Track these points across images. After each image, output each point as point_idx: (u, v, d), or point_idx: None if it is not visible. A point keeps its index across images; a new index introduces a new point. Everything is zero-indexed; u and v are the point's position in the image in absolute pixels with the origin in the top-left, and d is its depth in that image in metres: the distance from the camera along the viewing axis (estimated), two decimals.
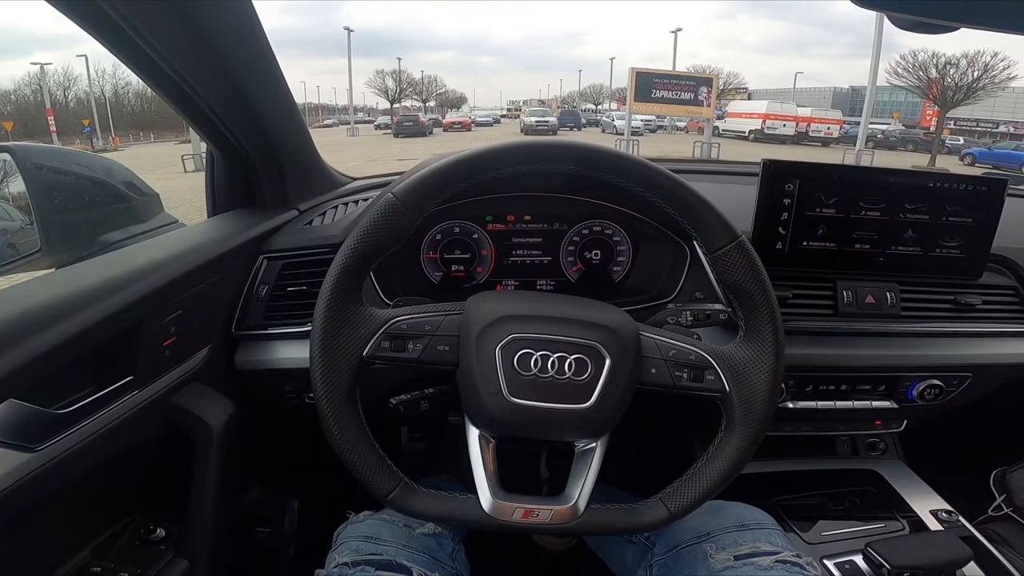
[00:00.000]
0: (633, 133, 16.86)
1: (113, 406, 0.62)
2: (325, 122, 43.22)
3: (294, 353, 0.82)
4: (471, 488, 0.57)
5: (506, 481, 0.57)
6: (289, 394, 0.86)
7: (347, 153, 14.68)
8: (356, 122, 30.64)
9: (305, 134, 0.97)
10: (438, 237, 0.91)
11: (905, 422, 0.98)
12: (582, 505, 0.56)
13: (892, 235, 0.85)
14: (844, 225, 0.84)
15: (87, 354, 0.59)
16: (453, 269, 0.92)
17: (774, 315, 0.58)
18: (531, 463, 0.93)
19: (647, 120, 24.62)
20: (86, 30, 0.63)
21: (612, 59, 60.53)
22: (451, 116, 33.89)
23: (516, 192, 0.88)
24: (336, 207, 0.96)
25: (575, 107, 46.81)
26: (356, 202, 0.97)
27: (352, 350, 0.55)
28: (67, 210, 0.87)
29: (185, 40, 0.68)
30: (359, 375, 0.56)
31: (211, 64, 0.73)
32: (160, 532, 0.75)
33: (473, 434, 0.58)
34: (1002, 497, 0.95)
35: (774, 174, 0.82)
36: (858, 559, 0.77)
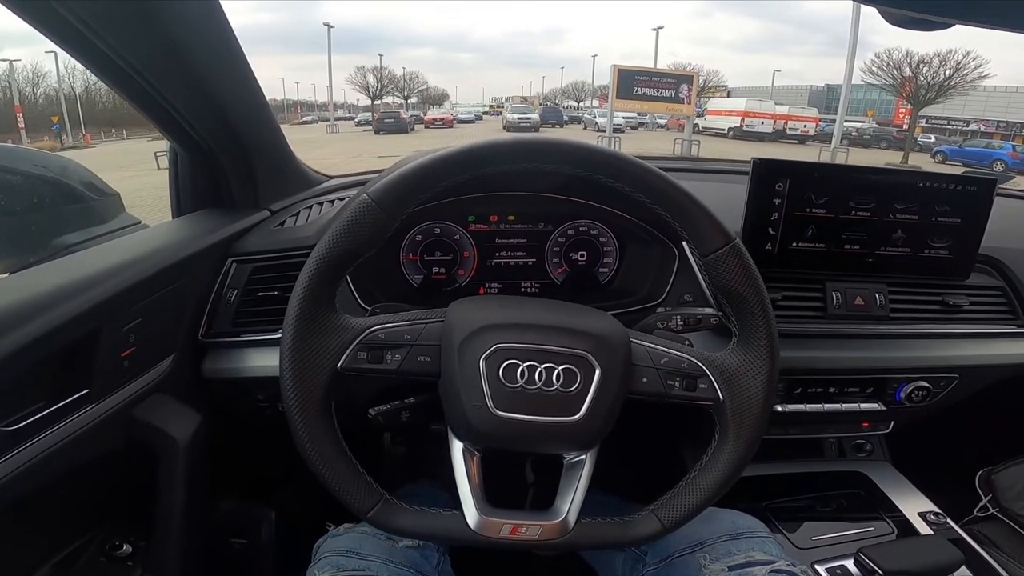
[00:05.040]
0: (615, 130, 16.92)
1: (67, 421, 0.58)
2: (304, 119, 42.65)
3: (266, 361, 0.78)
4: (456, 495, 0.54)
5: (492, 495, 0.55)
6: (263, 403, 0.82)
7: (327, 150, 14.49)
8: (336, 119, 30.21)
9: (276, 130, 0.93)
10: (418, 238, 0.87)
11: (892, 424, 0.98)
12: (572, 519, 0.54)
13: (882, 236, 0.84)
14: (834, 226, 0.82)
15: (37, 367, 0.55)
16: (434, 271, 0.89)
17: (769, 321, 0.56)
18: (518, 474, 0.90)
19: (628, 117, 24.70)
20: (34, 26, 0.59)
21: (594, 56, 60.36)
22: (433, 113, 33.54)
23: (499, 192, 0.85)
24: (310, 207, 0.91)
25: (557, 104, 46.85)
26: (332, 202, 0.93)
27: (325, 362, 0.52)
28: (16, 212, 0.81)
29: (141, 34, 0.65)
30: (333, 388, 0.52)
31: (170, 59, 0.69)
32: (127, 548, 0.72)
33: (457, 447, 0.55)
34: (988, 497, 0.95)
35: (764, 174, 0.80)
36: (849, 563, 0.77)
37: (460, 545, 0.55)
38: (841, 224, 0.82)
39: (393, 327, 0.54)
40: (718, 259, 0.55)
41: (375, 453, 1.19)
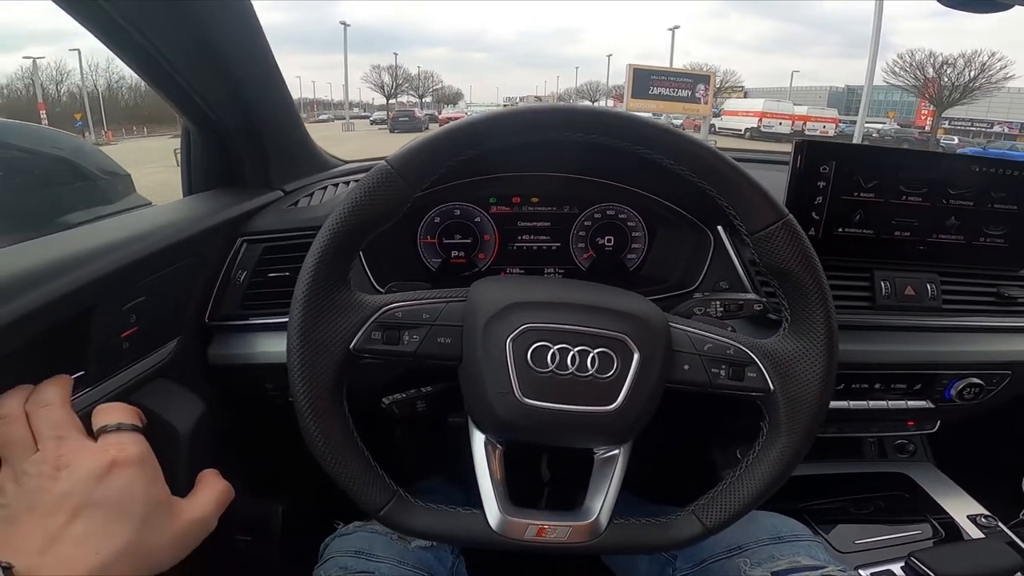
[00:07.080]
0: None
1: None
2: (320, 117, 43.02)
3: (276, 347, 0.74)
4: (472, 491, 0.49)
5: (515, 492, 0.50)
6: (272, 392, 0.78)
7: (343, 148, 14.30)
8: (352, 117, 30.47)
9: (292, 111, 0.89)
10: (437, 220, 0.83)
11: (939, 423, 0.92)
12: (604, 520, 0.49)
13: (934, 222, 0.78)
14: (883, 211, 0.77)
15: (26, 347, 0.51)
16: (453, 255, 0.85)
17: (827, 303, 0.50)
18: (535, 471, 0.86)
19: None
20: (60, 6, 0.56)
21: (609, 56, 60.18)
22: (447, 112, 33.72)
23: (523, 172, 0.81)
24: (325, 188, 0.88)
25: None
26: (347, 183, 0.89)
27: (337, 342, 0.47)
28: (20, 188, 0.78)
29: (158, 9, 0.61)
30: (345, 371, 0.48)
31: (187, 35, 0.66)
32: None
33: (478, 440, 0.50)
34: None
35: (809, 156, 0.75)
36: (896, 568, 0.72)
37: (480, 547, 0.51)
38: (891, 209, 0.77)
39: (412, 305, 0.49)
40: (768, 236, 0.49)
41: (388, 447, 1.16)
